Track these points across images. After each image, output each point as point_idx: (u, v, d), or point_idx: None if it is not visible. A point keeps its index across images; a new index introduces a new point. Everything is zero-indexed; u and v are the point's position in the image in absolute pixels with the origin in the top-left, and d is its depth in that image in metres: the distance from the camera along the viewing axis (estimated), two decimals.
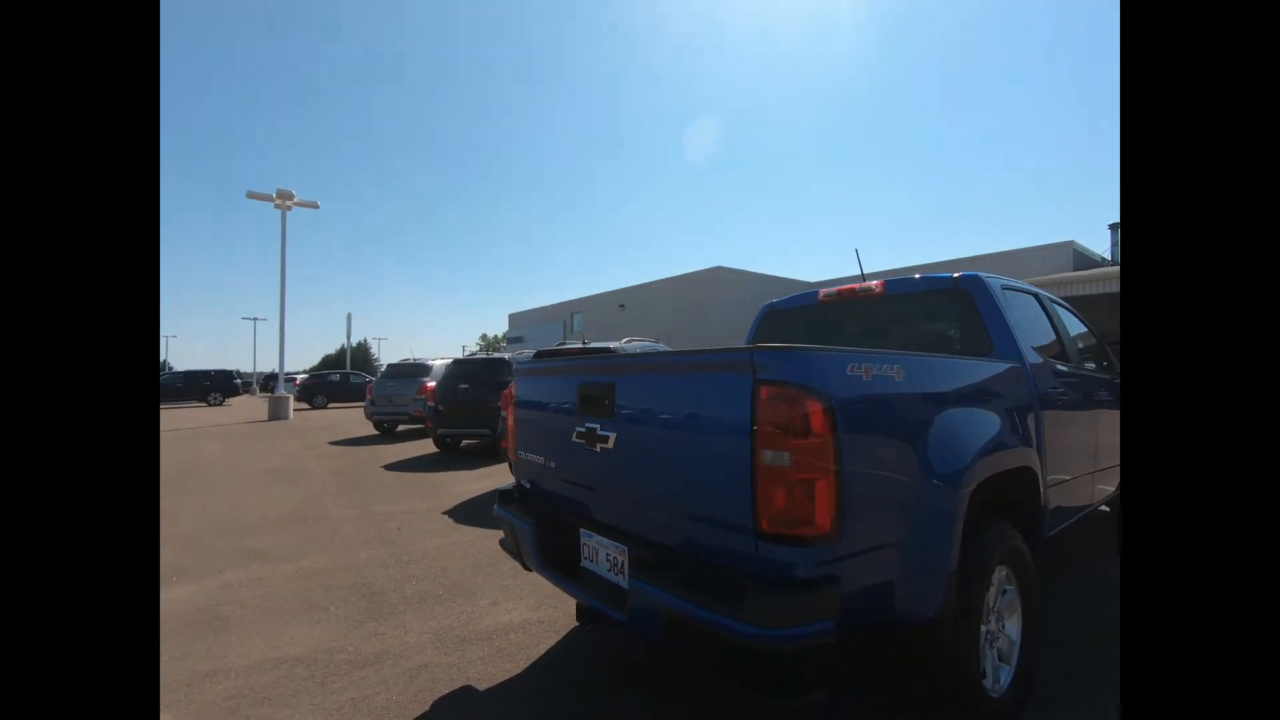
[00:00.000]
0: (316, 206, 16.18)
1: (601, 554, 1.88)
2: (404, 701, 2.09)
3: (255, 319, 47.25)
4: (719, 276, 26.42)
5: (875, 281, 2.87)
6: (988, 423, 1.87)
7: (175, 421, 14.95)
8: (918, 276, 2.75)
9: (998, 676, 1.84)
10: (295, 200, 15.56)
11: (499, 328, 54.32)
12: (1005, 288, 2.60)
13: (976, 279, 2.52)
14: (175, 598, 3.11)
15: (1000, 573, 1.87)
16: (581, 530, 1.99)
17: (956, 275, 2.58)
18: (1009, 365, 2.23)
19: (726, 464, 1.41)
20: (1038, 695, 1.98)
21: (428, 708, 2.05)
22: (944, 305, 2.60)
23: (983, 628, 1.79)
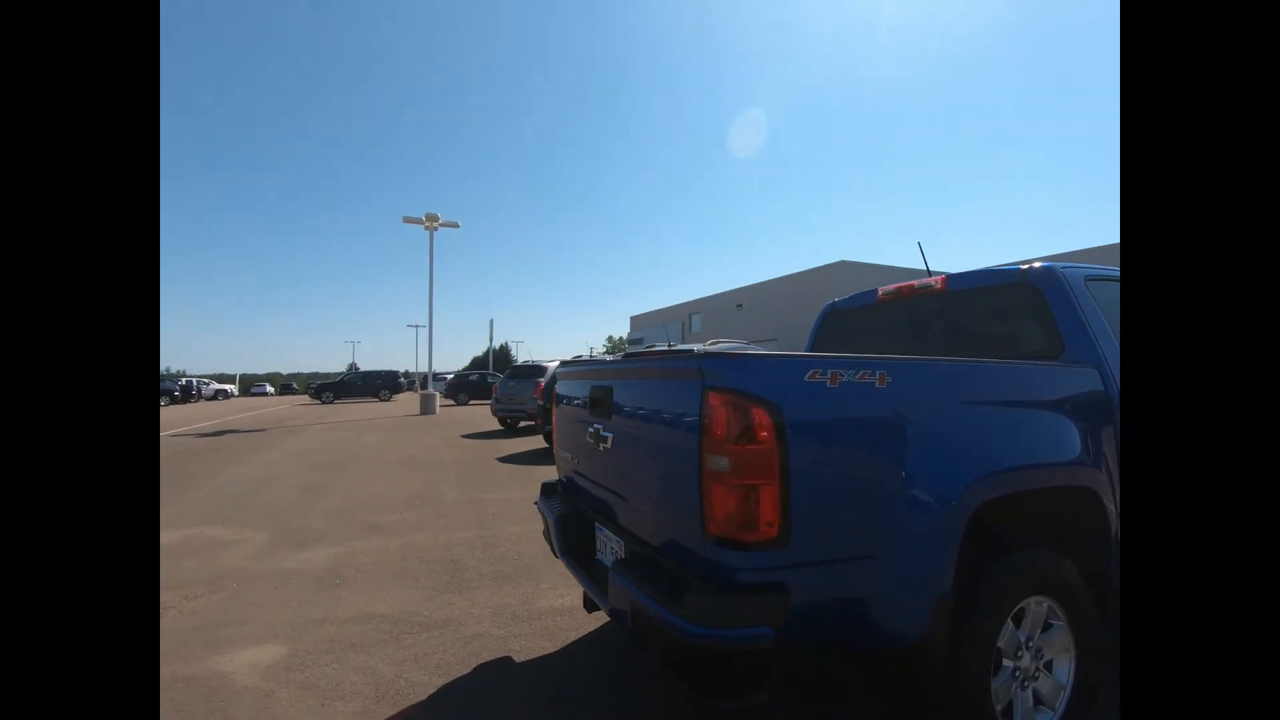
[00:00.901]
0: (458, 226, 18.27)
1: (609, 547, 2.01)
2: (453, 662, 2.40)
3: (416, 326, 54.16)
4: (841, 271, 24.91)
5: (937, 277, 2.63)
6: (1014, 435, 1.67)
7: (350, 414, 17.83)
8: (988, 270, 2.48)
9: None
10: (441, 222, 17.72)
11: (625, 329, 56.38)
12: (1093, 279, 2.25)
13: (1048, 271, 2.21)
14: (310, 558, 3.81)
15: (1038, 604, 1.66)
16: (596, 525, 2.13)
17: (1026, 267, 2.29)
18: (1075, 370, 1.95)
19: (683, 467, 1.47)
20: None
21: (470, 670, 2.33)
22: (1011, 301, 2.32)
23: (1009, 663, 1.62)
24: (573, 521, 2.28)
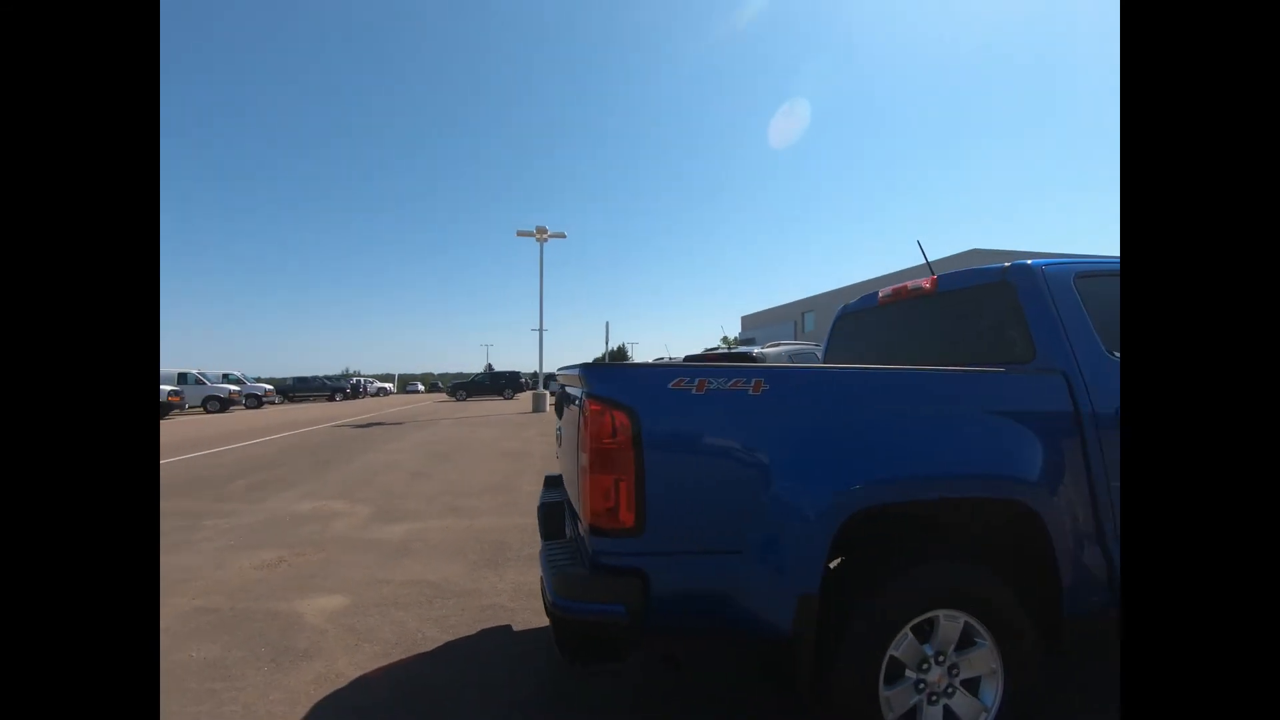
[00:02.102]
0: (564, 236, 19.55)
1: (570, 532, 2.27)
2: (465, 624, 2.81)
3: (540, 329, 58.32)
4: (972, 261, 22.38)
5: (928, 278, 2.52)
6: (911, 443, 1.63)
7: (475, 410, 19.88)
8: (976, 270, 2.34)
9: None
10: (549, 233, 19.09)
11: (738, 329, 55.68)
12: (1087, 275, 2.04)
13: (1024, 270, 2.06)
14: (394, 531, 4.53)
15: (951, 619, 1.62)
16: (567, 510, 2.40)
17: (1008, 265, 2.15)
18: (1026, 379, 1.83)
19: (578, 464, 1.68)
20: None
21: (475, 632, 2.73)
22: (992, 302, 2.18)
23: (912, 674, 1.61)
24: (554, 511, 2.57)
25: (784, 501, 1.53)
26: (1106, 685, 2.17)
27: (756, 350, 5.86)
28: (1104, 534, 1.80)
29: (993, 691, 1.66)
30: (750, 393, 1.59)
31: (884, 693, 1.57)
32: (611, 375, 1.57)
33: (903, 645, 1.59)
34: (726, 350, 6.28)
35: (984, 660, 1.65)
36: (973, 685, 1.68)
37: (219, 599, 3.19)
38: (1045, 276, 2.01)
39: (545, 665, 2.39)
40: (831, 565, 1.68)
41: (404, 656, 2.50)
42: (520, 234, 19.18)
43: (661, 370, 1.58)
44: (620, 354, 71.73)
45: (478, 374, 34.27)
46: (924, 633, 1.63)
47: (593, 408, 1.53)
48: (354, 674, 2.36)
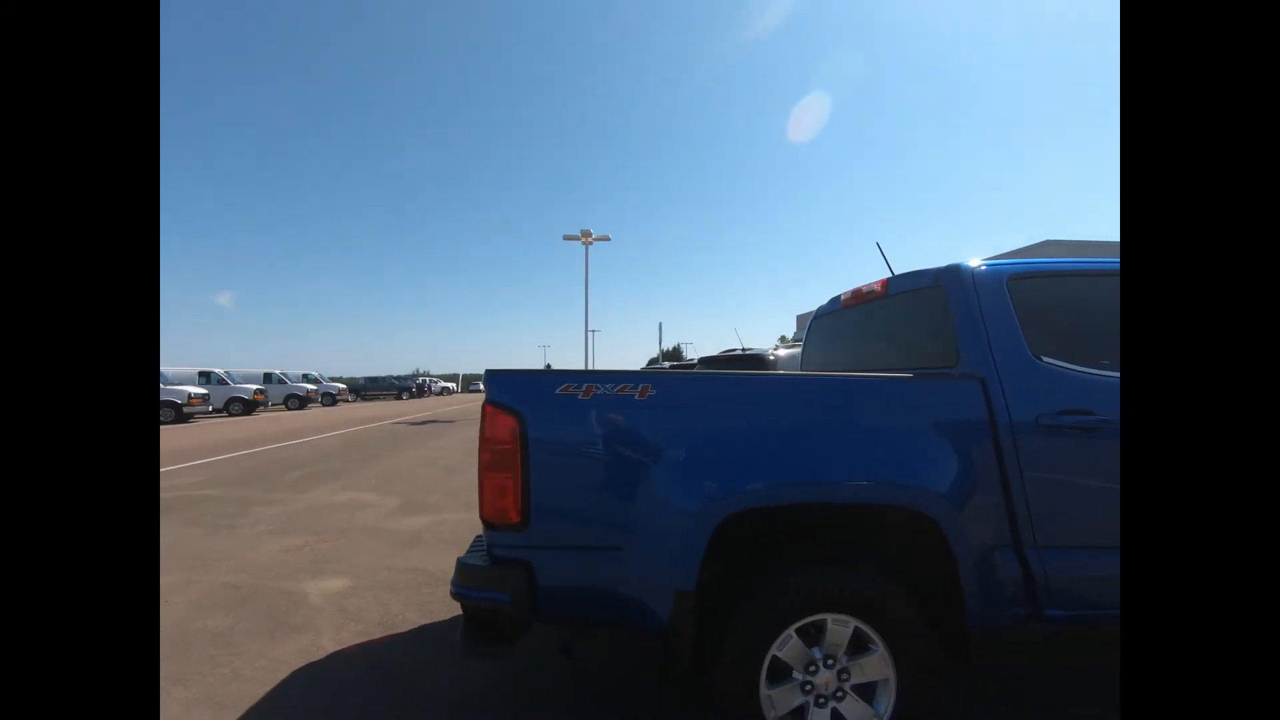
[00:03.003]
0: (609, 239, 19.86)
1: None
2: (442, 610, 3.03)
3: (593, 331, 59.43)
4: (1046, 252, 20.81)
5: (880, 281, 2.49)
6: (796, 449, 1.65)
7: None
8: (918, 271, 2.29)
9: None
10: (594, 237, 19.47)
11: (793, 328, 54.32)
12: (1021, 277, 1.97)
13: (953, 271, 2.02)
14: (411, 523, 4.86)
15: (841, 623, 1.63)
16: None
17: (944, 267, 2.10)
18: (936, 385, 1.80)
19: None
20: None
21: (448, 618, 2.93)
22: (928, 305, 2.14)
23: (798, 675, 1.64)
24: None
25: (663, 502, 1.60)
26: (1106, 686, 2.08)
27: (771, 353, 5.80)
28: (1021, 545, 1.75)
29: (886, 699, 1.65)
30: (636, 398, 1.67)
31: (766, 691, 1.61)
32: (504, 381, 1.70)
33: (786, 646, 1.62)
34: (741, 353, 6.25)
35: (876, 667, 1.65)
36: (866, 690, 1.68)
37: (244, 577, 3.58)
38: (974, 279, 1.96)
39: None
40: (722, 564, 1.74)
41: (381, 636, 2.74)
42: (566, 238, 19.68)
43: (550, 376, 1.69)
44: (676, 353, 71.76)
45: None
46: (812, 635, 1.65)
47: (487, 411, 1.67)
48: (333, 649, 2.61)
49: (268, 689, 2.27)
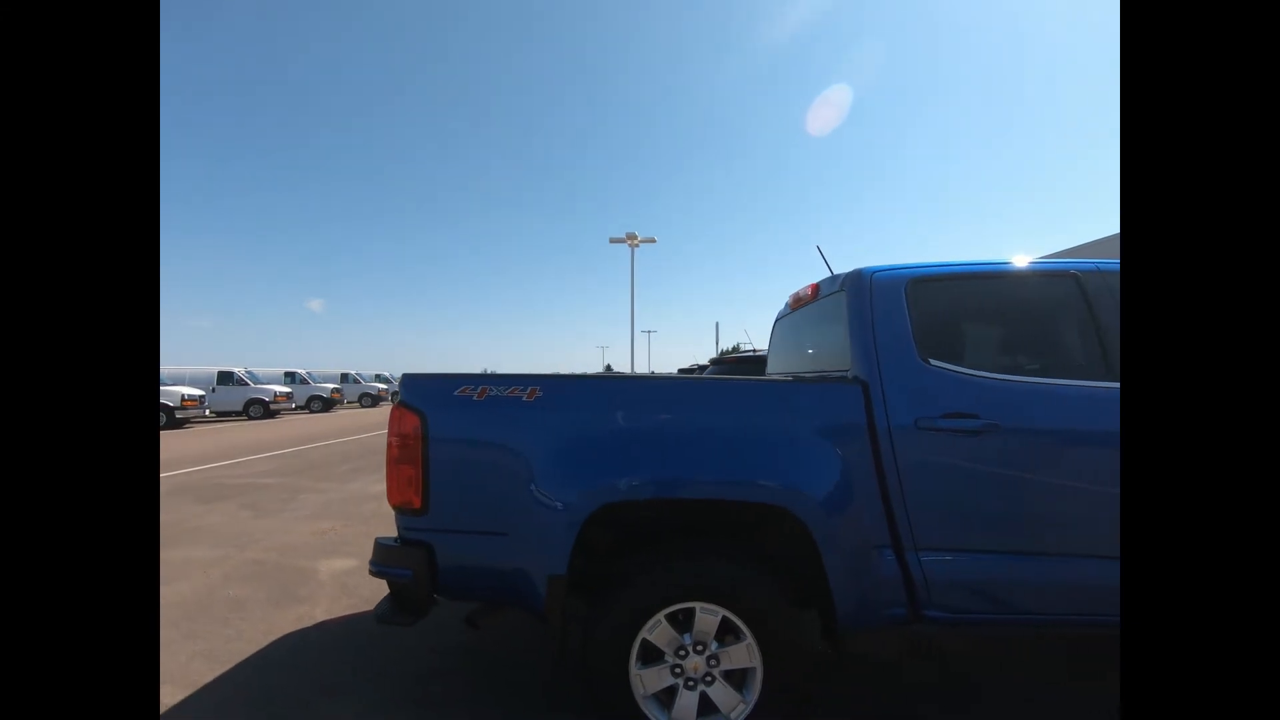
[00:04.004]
0: (654, 241, 20.05)
1: None
2: None
3: (649, 331, 59.73)
4: (1114, 247, 18.88)
5: (811, 285, 2.53)
6: (668, 447, 1.77)
7: None
8: (837, 276, 2.33)
9: None
10: (640, 239, 19.73)
11: None
12: (922, 280, 1.99)
13: (855, 276, 2.06)
14: None
15: (709, 612, 1.73)
16: None
17: (848, 272, 2.14)
18: (813, 388, 1.86)
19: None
20: None
21: None
22: (837, 309, 2.18)
23: (670, 659, 1.76)
24: None
25: (541, 493, 1.77)
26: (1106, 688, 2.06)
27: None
28: (900, 547, 1.78)
29: (754, 687, 1.74)
30: (524, 399, 1.85)
31: (636, 671, 1.74)
32: (411, 383, 1.93)
33: (656, 630, 1.74)
34: (751, 353, 6.26)
35: (744, 655, 1.74)
36: (738, 678, 1.77)
37: (272, 554, 4.06)
38: (871, 284, 2.00)
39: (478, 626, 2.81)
40: (605, 552, 1.88)
41: (368, 610, 3.07)
42: (613, 240, 20.06)
43: (451, 379, 1.90)
44: (735, 351, 70.80)
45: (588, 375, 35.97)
46: (682, 622, 1.76)
47: (396, 411, 1.90)
48: (322, 618, 2.97)
49: (257, 649, 2.63)
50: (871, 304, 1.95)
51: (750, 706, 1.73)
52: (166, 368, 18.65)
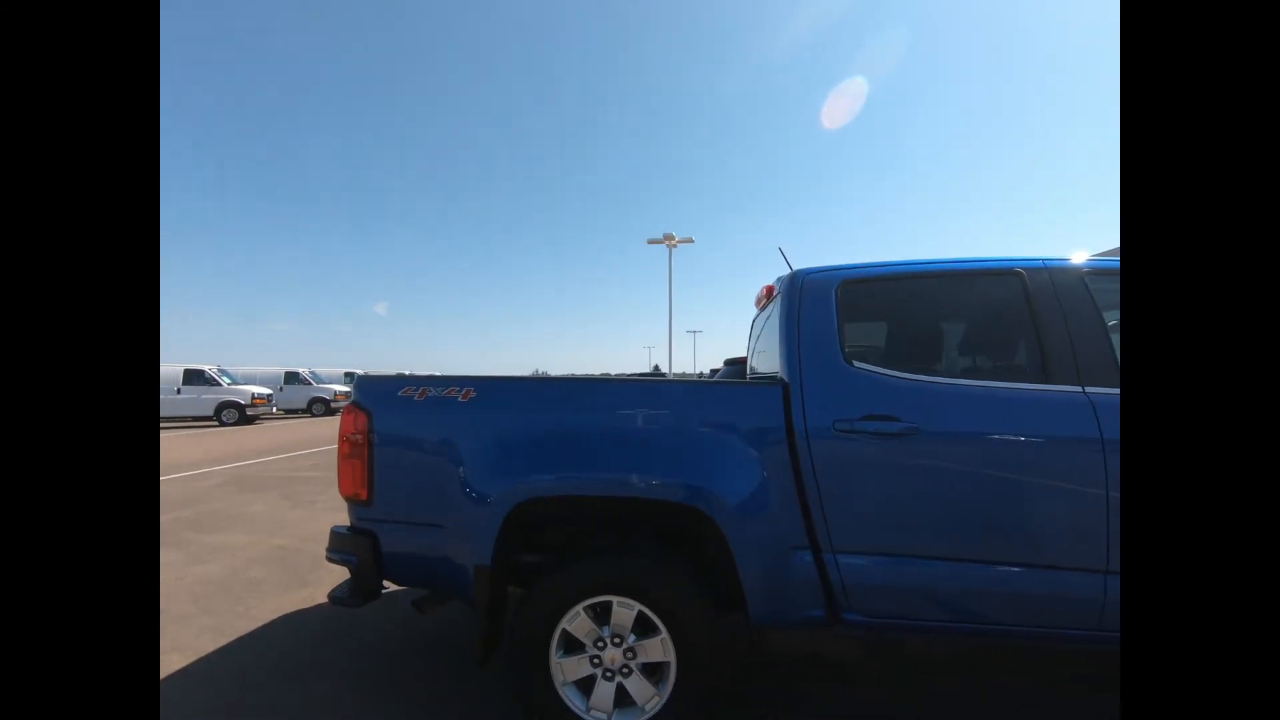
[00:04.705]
0: (691, 241, 19.99)
1: None
2: None
3: (695, 332, 59.46)
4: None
5: (766, 286, 2.53)
6: (585, 446, 1.83)
7: None
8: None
9: (608, 710, 1.80)
10: (677, 239, 19.72)
11: None
12: (853, 282, 1.97)
13: (790, 278, 2.06)
14: None
15: (625, 605, 1.79)
16: None
17: (788, 274, 2.14)
18: (732, 389, 1.89)
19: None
20: None
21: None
22: (777, 311, 2.18)
23: (589, 650, 1.83)
24: None
25: (470, 488, 1.88)
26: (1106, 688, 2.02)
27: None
28: (818, 549, 1.78)
29: (670, 682, 1.78)
30: (460, 400, 1.97)
31: (556, 659, 1.82)
32: (362, 384, 2.08)
33: (575, 621, 1.82)
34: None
35: (659, 649, 1.79)
36: (655, 670, 1.82)
37: (294, 541, 4.40)
38: (802, 286, 2.00)
39: (465, 616, 2.97)
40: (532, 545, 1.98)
41: None
42: (650, 241, 20.15)
43: (396, 381, 2.04)
44: None
45: (633, 375, 36.30)
46: (601, 615, 1.83)
47: (346, 409, 2.06)
48: (322, 600, 3.21)
49: (258, 625, 2.89)
50: (800, 306, 1.95)
51: (664, 700, 1.77)
52: (240, 368, 20.27)
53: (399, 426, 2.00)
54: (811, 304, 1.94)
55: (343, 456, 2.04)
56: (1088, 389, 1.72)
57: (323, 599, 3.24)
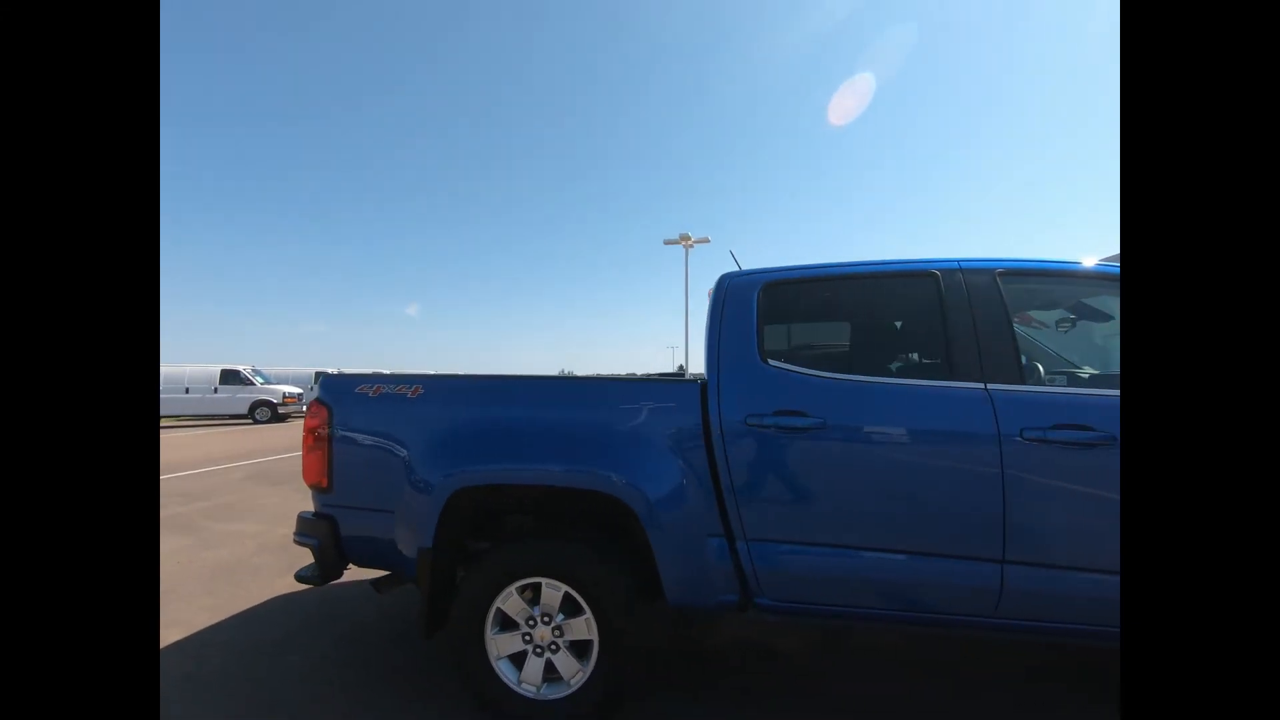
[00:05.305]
0: (708, 241, 19.99)
1: None
2: None
3: (685, 332, 59.52)
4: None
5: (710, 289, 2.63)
6: (515, 438, 1.97)
7: None
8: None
9: (537, 684, 1.94)
10: (694, 240, 19.77)
11: None
12: (775, 284, 2.07)
13: (721, 280, 2.16)
14: None
15: (553, 587, 1.93)
16: None
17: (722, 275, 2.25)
18: (660, 385, 2.01)
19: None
20: None
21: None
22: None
23: (521, 627, 1.98)
24: None
25: (415, 477, 2.05)
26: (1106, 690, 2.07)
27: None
28: (732, 537, 1.88)
29: (592, 658, 1.91)
30: (409, 396, 2.14)
31: (491, 635, 1.97)
32: (326, 382, 2.27)
33: (508, 601, 1.97)
34: None
35: (584, 628, 1.92)
36: (582, 648, 1.95)
37: None
38: (726, 288, 2.10)
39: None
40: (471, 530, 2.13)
41: (351, 578, 3.52)
42: (667, 242, 20.24)
43: (354, 378, 2.23)
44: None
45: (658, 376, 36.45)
46: (532, 595, 1.97)
47: (310, 405, 2.26)
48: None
49: (251, 605, 3.14)
50: (723, 307, 2.06)
51: (587, 675, 1.90)
52: (274, 369, 21.17)
53: (356, 420, 2.19)
54: (734, 305, 2.04)
55: (307, 448, 2.23)
56: (989, 386, 1.78)
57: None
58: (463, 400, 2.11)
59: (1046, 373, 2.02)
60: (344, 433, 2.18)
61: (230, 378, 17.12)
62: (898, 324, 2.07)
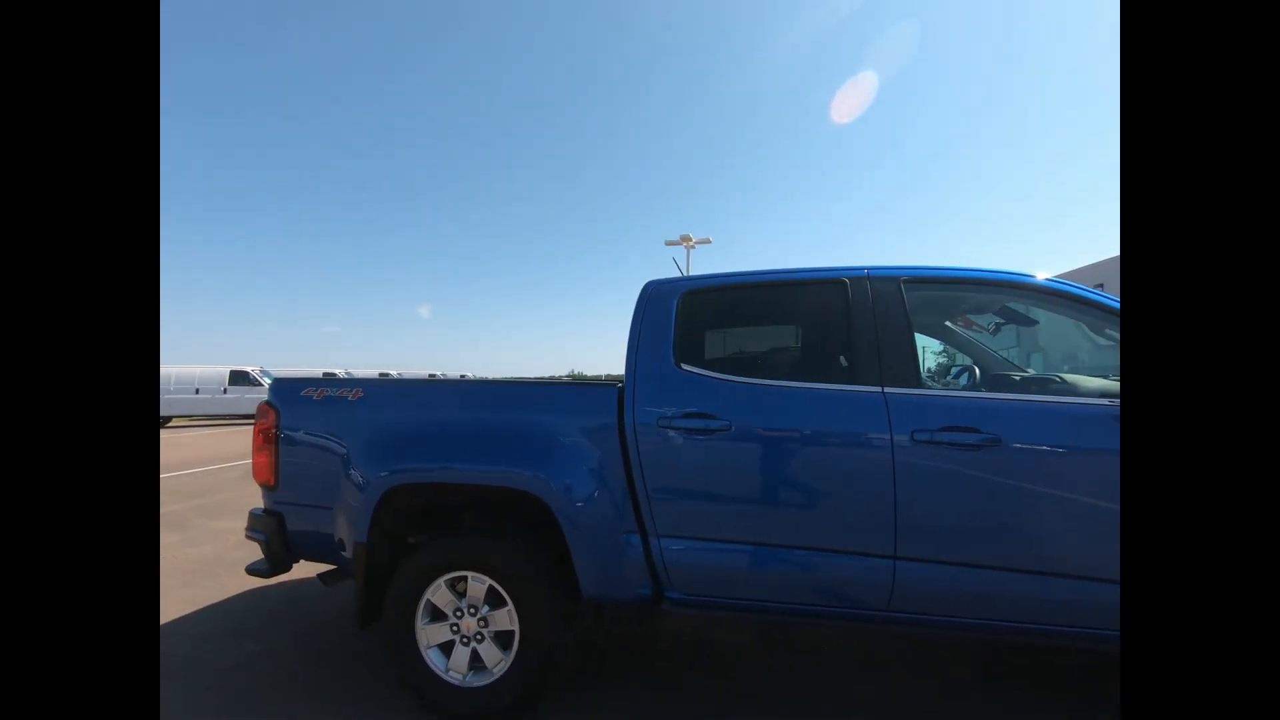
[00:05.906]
0: (709, 241, 20.02)
1: None
2: None
3: None
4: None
5: None
6: (439, 440, 2.08)
7: None
8: None
9: (463, 671, 2.05)
10: (695, 240, 19.80)
11: None
12: (694, 292, 2.16)
13: (645, 286, 2.25)
14: None
15: (478, 580, 2.04)
16: None
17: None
18: (584, 389, 2.11)
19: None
20: None
21: None
22: None
23: (450, 619, 2.09)
24: None
25: (352, 475, 2.17)
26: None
27: None
28: (645, 533, 1.98)
29: (515, 648, 2.01)
30: (349, 399, 2.26)
31: (422, 625, 2.09)
32: (275, 385, 2.40)
33: (437, 593, 2.08)
34: None
35: (506, 619, 2.02)
36: (505, 638, 2.05)
37: None
38: (649, 295, 2.19)
39: None
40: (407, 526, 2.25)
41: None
42: (668, 243, 20.29)
43: (301, 381, 2.35)
44: None
45: None
46: (460, 588, 2.08)
47: (259, 407, 2.38)
48: (286, 578, 3.59)
49: (225, 597, 3.29)
50: (645, 313, 2.15)
51: (509, 663, 2.00)
52: (283, 370, 21.57)
53: (300, 422, 2.31)
54: (654, 312, 2.14)
55: (256, 448, 2.36)
56: (886, 389, 1.86)
57: (286, 577, 3.61)
58: (397, 404, 2.23)
59: (975, 375, 2.12)
60: (290, 433, 2.31)
61: (239, 379, 17.49)
62: (809, 330, 2.15)
